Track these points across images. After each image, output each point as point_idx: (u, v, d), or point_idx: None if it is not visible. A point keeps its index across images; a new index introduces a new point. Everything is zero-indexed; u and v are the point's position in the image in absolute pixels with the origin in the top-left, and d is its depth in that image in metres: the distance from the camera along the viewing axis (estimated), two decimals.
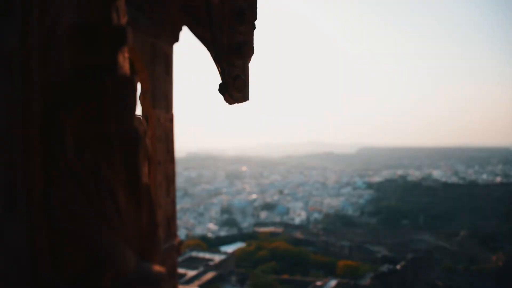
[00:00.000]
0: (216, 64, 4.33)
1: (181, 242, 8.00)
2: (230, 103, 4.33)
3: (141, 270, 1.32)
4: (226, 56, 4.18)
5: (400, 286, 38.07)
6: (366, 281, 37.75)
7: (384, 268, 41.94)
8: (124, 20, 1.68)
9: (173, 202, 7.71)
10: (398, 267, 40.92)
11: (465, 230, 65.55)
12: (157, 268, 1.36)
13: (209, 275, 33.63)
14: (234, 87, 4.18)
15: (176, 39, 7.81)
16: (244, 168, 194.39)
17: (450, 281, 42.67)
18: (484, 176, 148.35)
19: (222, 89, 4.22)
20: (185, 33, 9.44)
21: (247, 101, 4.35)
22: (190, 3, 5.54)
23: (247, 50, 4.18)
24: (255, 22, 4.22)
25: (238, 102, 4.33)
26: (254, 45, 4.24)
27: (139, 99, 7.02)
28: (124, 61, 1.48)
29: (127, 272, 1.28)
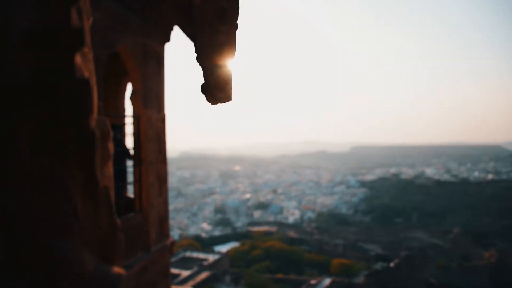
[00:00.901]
0: (198, 63, 4.32)
1: (174, 242, 7.98)
2: (212, 103, 4.31)
3: (99, 272, 1.32)
4: (208, 55, 4.17)
5: (394, 284, 38.22)
6: (360, 279, 37.89)
7: (378, 266, 42.19)
8: (88, 22, 1.67)
9: (165, 202, 7.67)
10: (392, 265, 41.13)
11: (458, 228, 65.96)
12: (117, 270, 1.36)
13: (203, 275, 33.62)
14: (217, 87, 4.18)
15: (167, 38, 7.77)
16: (237, 168, 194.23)
17: (443, 278, 42.94)
18: (476, 174, 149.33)
19: (204, 89, 4.21)
20: (177, 33, 9.39)
21: (230, 101, 4.33)
22: (181, 3, 5.51)
23: (229, 50, 4.17)
24: (238, 22, 4.21)
25: (220, 102, 4.31)
26: (236, 45, 4.24)
27: (130, 99, 6.98)
28: (85, 62, 1.48)
29: (85, 275, 1.27)
